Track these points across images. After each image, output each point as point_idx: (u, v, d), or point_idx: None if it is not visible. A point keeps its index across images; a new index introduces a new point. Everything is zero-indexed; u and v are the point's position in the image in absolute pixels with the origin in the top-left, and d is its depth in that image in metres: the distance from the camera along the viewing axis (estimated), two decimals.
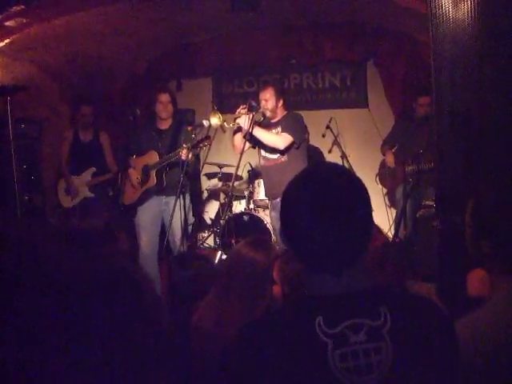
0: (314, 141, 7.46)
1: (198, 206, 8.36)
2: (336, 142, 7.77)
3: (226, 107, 8.24)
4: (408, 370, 1.45)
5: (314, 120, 7.31)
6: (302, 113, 6.19)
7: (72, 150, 7.34)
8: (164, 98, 6.13)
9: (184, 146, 5.59)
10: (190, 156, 5.58)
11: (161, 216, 6.12)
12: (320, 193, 1.51)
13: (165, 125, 6.22)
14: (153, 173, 6.03)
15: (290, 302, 1.69)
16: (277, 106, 5.90)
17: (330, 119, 7.78)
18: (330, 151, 7.99)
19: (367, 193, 1.57)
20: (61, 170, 7.46)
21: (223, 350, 1.63)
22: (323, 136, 7.75)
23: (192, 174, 6.26)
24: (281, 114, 5.96)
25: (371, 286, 1.56)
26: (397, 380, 1.44)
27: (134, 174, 6.14)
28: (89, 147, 7.29)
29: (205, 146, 5.59)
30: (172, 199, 5.83)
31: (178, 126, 6.18)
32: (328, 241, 1.48)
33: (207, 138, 5.56)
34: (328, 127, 7.72)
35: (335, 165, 1.72)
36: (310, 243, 1.50)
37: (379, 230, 2.65)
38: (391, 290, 1.69)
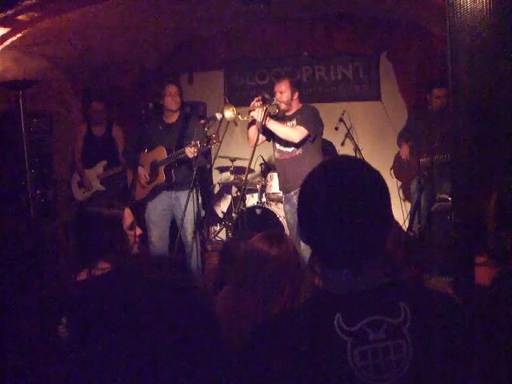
0: (327, 134, 7.41)
1: (210, 199, 8.35)
2: (349, 135, 7.75)
3: (238, 100, 8.22)
4: (428, 367, 1.42)
5: (327, 113, 7.26)
6: (315, 105, 6.15)
7: (85, 143, 7.39)
8: (173, 89, 6.10)
9: (192, 142, 5.57)
10: (195, 153, 5.56)
11: (171, 211, 6.12)
12: (336, 187, 1.48)
13: (172, 118, 6.19)
14: (161, 169, 6.01)
15: (307, 300, 1.66)
16: (292, 98, 5.85)
17: (343, 112, 7.76)
18: (342, 144, 7.98)
19: (386, 186, 1.54)
20: (74, 163, 7.50)
21: (240, 347, 1.60)
22: (336, 129, 7.73)
23: (203, 169, 6.23)
24: (296, 106, 5.91)
25: (390, 281, 1.53)
26: (417, 378, 1.41)
27: (143, 172, 6.12)
28: (102, 141, 7.33)
29: (213, 144, 5.56)
30: (182, 194, 5.83)
31: (186, 119, 6.16)
32: (344, 236, 1.45)
33: (212, 137, 5.52)
34: (341, 120, 7.70)
35: (352, 158, 1.68)
36: (326, 239, 1.47)
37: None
38: (410, 285, 1.66)
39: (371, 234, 1.47)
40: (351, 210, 1.44)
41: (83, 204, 7.18)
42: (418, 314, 1.45)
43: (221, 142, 5.69)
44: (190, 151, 5.58)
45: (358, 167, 1.55)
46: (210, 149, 5.78)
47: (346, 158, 1.66)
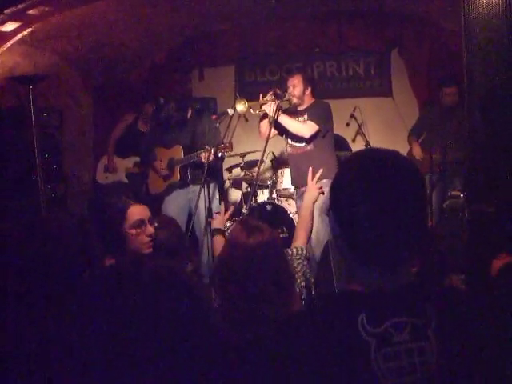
0: (338, 130, 7.37)
1: (221, 195, 8.33)
2: (360, 131, 7.70)
3: (249, 96, 8.16)
4: (453, 371, 1.39)
5: (338, 109, 7.20)
6: (326, 101, 6.12)
7: (127, 133, 7.50)
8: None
9: (207, 147, 5.57)
10: (211, 158, 5.57)
11: (188, 205, 6.14)
12: (375, 181, 1.43)
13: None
14: (177, 168, 6.04)
15: (332, 298, 1.62)
16: (304, 93, 5.84)
17: (354, 108, 7.71)
18: (353, 140, 7.93)
19: (424, 183, 1.51)
20: (108, 146, 7.61)
21: (260, 346, 1.58)
22: (347, 125, 7.68)
23: (216, 168, 6.25)
24: (308, 101, 5.90)
25: (414, 281, 1.50)
26: (441, 381, 1.37)
27: (159, 164, 6.15)
28: (141, 136, 7.28)
29: (226, 151, 5.55)
30: (199, 187, 5.84)
31: (197, 116, 6.17)
32: (387, 232, 1.40)
33: (226, 146, 5.50)
34: (352, 116, 7.66)
35: (391, 151, 1.59)
36: (368, 233, 1.41)
37: None
38: (435, 285, 1.62)
39: (412, 231, 1.43)
40: (394, 206, 1.40)
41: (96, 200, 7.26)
42: (442, 316, 1.42)
43: (231, 151, 5.66)
44: (205, 157, 5.61)
45: (397, 161, 1.50)
46: (221, 155, 5.72)
47: (384, 151, 1.59)
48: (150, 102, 7.34)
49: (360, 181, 1.44)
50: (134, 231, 3.17)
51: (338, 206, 1.49)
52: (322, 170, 4.16)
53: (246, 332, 2.33)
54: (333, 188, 1.51)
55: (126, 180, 7.31)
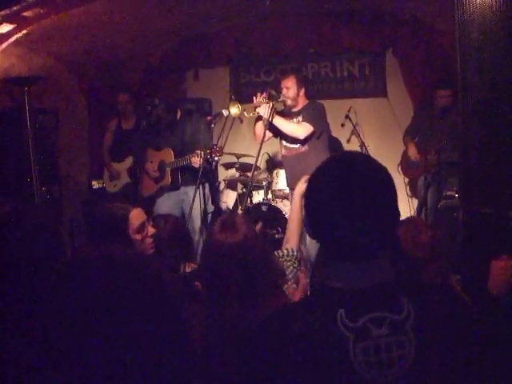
0: (333, 130, 7.38)
1: (216, 196, 8.33)
2: (355, 132, 7.70)
3: (244, 97, 8.19)
4: (431, 365, 1.42)
5: (333, 109, 7.21)
6: (320, 102, 6.13)
7: (115, 137, 7.55)
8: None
9: (197, 152, 5.56)
10: (201, 162, 5.56)
11: (180, 206, 6.14)
12: (345, 180, 1.49)
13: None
14: (168, 172, 6.02)
15: (311, 295, 1.67)
16: (298, 94, 5.84)
17: (349, 109, 7.71)
18: (348, 141, 7.94)
19: (392, 181, 1.56)
20: (103, 157, 7.68)
21: (242, 342, 1.61)
22: (342, 125, 7.68)
23: (211, 170, 6.25)
24: (302, 103, 5.90)
25: (395, 277, 1.54)
26: (419, 375, 1.42)
27: (150, 166, 6.13)
28: (130, 135, 7.31)
29: (217, 156, 5.54)
30: (190, 189, 5.83)
31: (187, 117, 6.17)
32: (353, 228, 1.46)
33: (216, 150, 5.49)
34: (347, 117, 7.66)
35: (360, 153, 1.70)
36: (334, 230, 1.48)
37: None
38: (415, 281, 1.66)
39: (379, 227, 1.48)
40: (360, 203, 1.46)
41: (90, 202, 7.28)
42: (421, 312, 1.46)
43: (223, 145, 5.65)
44: (196, 161, 5.60)
45: (365, 162, 1.57)
46: (213, 160, 5.69)
47: (353, 152, 1.71)
48: (122, 91, 7.48)
49: (329, 180, 1.52)
50: (139, 236, 3.20)
51: (309, 204, 1.56)
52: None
53: (226, 328, 2.37)
54: (306, 191, 1.59)
55: (130, 180, 7.37)
